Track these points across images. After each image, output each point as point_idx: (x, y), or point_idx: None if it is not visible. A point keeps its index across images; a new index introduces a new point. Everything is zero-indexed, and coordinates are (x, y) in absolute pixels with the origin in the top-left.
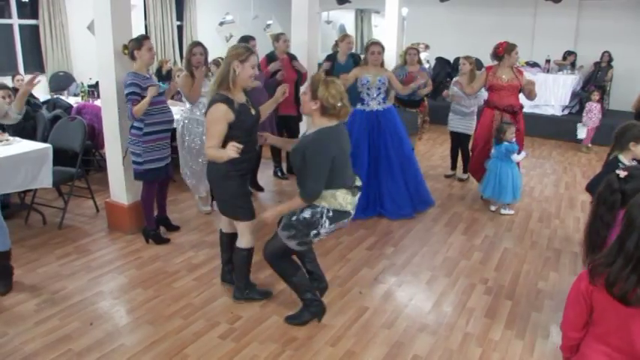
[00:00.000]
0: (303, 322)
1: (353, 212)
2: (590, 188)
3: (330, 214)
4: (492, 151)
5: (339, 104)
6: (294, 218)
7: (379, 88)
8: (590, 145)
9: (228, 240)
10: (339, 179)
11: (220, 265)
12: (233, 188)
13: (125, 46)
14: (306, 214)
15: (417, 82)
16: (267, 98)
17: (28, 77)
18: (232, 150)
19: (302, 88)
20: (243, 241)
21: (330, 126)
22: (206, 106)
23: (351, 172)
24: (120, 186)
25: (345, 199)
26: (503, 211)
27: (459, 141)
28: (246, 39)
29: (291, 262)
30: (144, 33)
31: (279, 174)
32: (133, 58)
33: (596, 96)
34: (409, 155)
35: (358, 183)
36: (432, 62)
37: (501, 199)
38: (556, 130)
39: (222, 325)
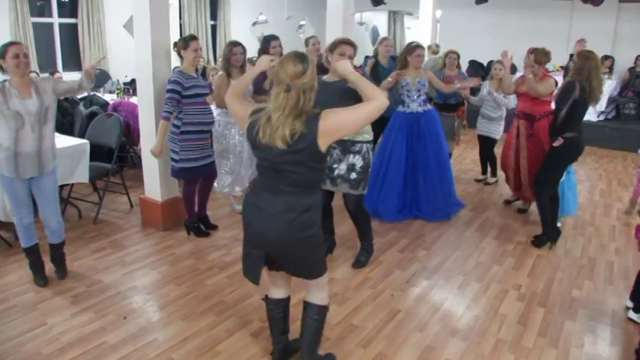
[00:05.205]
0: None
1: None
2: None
3: (371, 145)
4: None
5: None
6: (354, 176)
7: (419, 90)
8: None
9: (283, 307)
10: None
11: None
12: (321, 235)
13: (175, 44)
14: (359, 162)
15: (463, 85)
16: None
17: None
18: (266, 60)
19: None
20: (325, 296)
21: None
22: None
23: None
24: (154, 183)
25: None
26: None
27: (484, 145)
28: None
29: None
30: (193, 33)
31: None
32: (180, 56)
33: None
34: (445, 158)
35: None
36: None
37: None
38: (591, 136)
39: (255, 324)
